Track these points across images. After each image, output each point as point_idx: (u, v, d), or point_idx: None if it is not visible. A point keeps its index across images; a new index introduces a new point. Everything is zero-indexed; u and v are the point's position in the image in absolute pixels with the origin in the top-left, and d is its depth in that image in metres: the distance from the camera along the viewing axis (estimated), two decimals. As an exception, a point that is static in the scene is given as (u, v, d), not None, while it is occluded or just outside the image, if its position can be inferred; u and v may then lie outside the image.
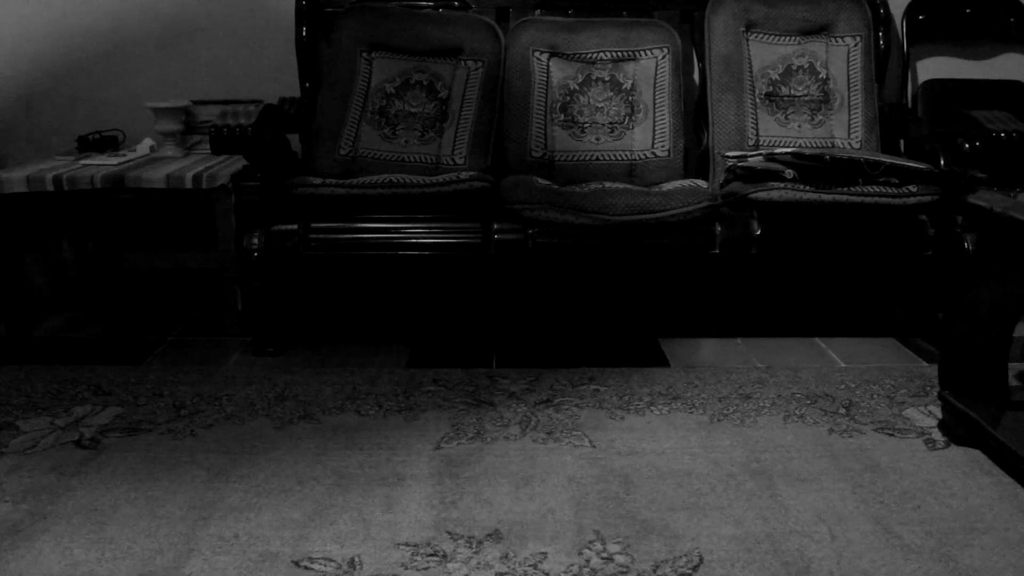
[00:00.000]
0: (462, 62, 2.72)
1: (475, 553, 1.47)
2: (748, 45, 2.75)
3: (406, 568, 1.43)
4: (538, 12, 2.85)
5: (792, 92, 2.74)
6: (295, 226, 2.36)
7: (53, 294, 2.86)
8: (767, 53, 2.76)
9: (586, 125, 2.71)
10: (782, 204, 2.33)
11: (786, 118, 2.72)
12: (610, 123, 2.71)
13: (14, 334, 2.56)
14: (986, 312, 1.83)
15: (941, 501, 1.64)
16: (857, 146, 2.70)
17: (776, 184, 2.33)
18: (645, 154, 2.68)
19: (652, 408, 2.04)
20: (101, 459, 1.80)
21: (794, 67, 2.75)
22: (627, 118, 2.71)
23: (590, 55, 2.74)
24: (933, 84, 2.94)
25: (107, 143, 2.76)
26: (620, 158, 2.69)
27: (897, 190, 2.35)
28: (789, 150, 2.47)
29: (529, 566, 1.44)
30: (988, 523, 1.57)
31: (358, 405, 2.06)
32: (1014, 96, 2.90)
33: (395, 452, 1.83)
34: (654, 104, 2.70)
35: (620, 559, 1.46)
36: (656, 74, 2.72)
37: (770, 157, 2.43)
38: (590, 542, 1.51)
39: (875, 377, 2.22)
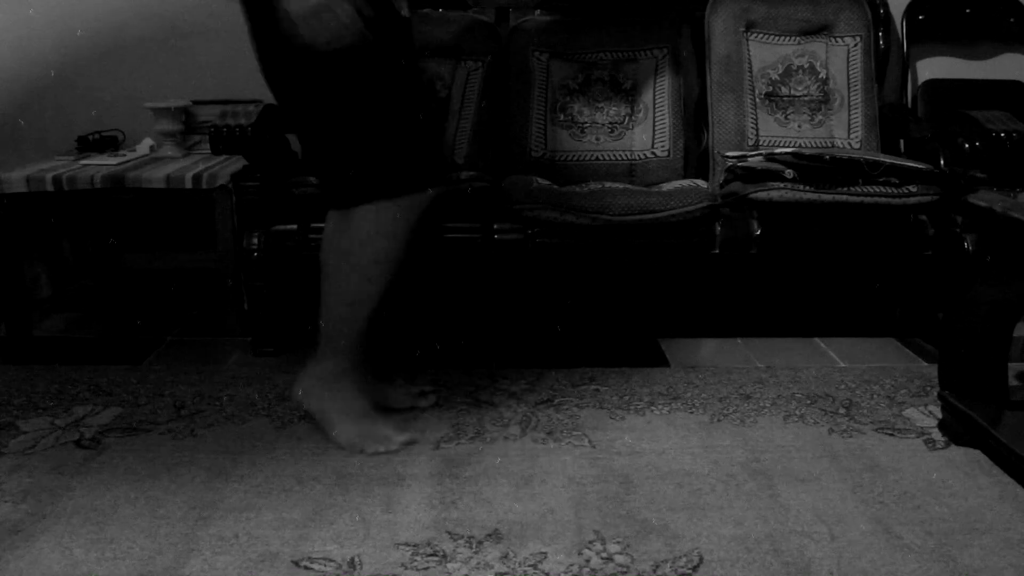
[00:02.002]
0: (462, 62, 2.72)
1: (475, 553, 1.47)
2: (748, 45, 2.75)
3: (406, 568, 1.43)
4: (538, 12, 2.85)
5: (792, 92, 2.74)
6: (295, 226, 2.36)
7: (53, 294, 2.86)
8: (767, 53, 2.76)
9: (586, 125, 2.71)
10: (782, 204, 2.33)
11: (786, 118, 2.73)
12: (610, 123, 2.71)
13: (14, 334, 2.56)
14: (986, 312, 1.83)
15: (941, 501, 1.64)
16: (857, 146, 2.70)
17: (776, 184, 2.33)
18: (645, 154, 2.68)
19: (652, 408, 2.04)
20: (101, 459, 1.80)
21: (794, 67, 2.75)
22: (627, 118, 2.71)
23: (590, 55, 2.74)
24: (933, 84, 2.94)
25: (107, 143, 2.76)
26: (620, 158, 2.69)
27: (897, 190, 2.35)
28: (789, 150, 2.47)
29: (529, 566, 1.44)
30: (988, 523, 1.57)
31: (358, 405, 2.06)
32: (1014, 96, 2.90)
33: (395, 452, 1.83)
34: (654, 104, 2.71)
35: (620, 559, 1.46)
36: (656, 74, 2.72)
37: (770, 157, 2.43)
38: (590, 542, 1.51)
39: (875, 377, 2.22)
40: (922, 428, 1.94)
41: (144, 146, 2.73)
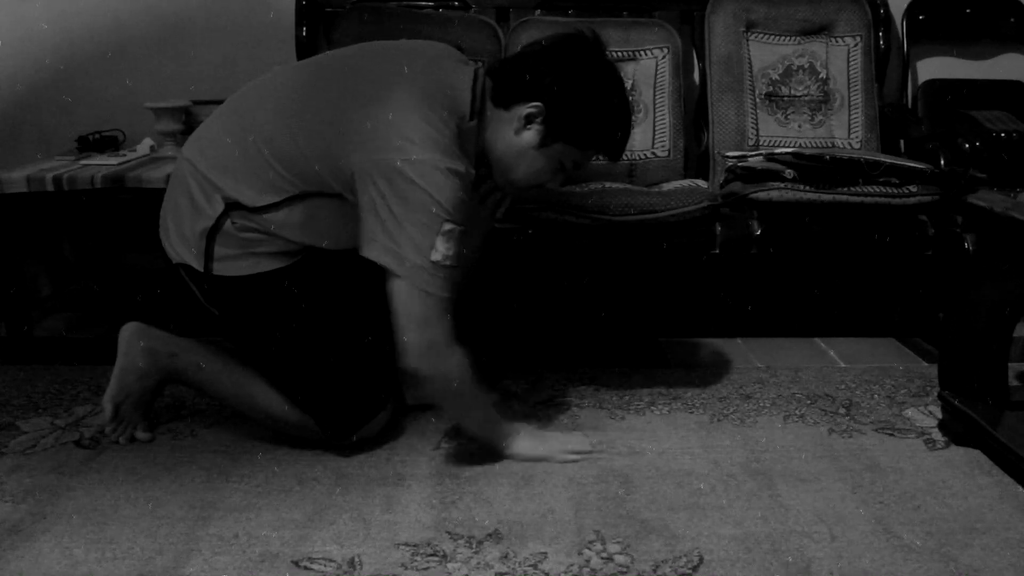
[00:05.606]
0: (462, 62, 2.71)
1: (475, 553, 1.47)
2: (748, 45, 2.75)
3: (406, 568, 1.43)
4: (538, 12, 2.85)
5: (792, 92, 2.74)
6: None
7: (53, 294, 2.86)
8: (767, 53, 2.76)
9: (586, 125, 2.70)
10: (782, 204, 2.33)
11: (786, 118, 2.73)
12: (610, 123, 2.71)
13: (15, 334, 2.56)
14: (986, 312, 1.83)
15: (941, 501, 1.64)
16: (857, 146, 2.70)
17: (776, 184, 2.33)
18: (645, 154, 2.68)
19: (652, 408, 2.04)
20: (101, 459, 1.80)
21: (794, 67, 2.75)
22: (627, 118, 2.71)
23: (590, 55, 2.74)
24: (933, 84, 2.94)
25: (107, 143, 2.76)
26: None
27: (897, 190, 2.35)
28: (789, 150, 2.47)
29: (529, 566, 1.44)
30: (988, 523, 1.57)
31: (358, 405, 2.06)
32: (1014, 96, 2.90)
33: (395, 452, 1.83)
34: (654, 104, 2.70)
35: (620, 559, 1.46)
36: (656, 74, 2.72)
37: (770, 157, 2.43)
38: (590, 542, 1.51)
39: (875, 377, 2.22)
40: (922, 428, 1.94)
41: (144, 146, 2.73)
